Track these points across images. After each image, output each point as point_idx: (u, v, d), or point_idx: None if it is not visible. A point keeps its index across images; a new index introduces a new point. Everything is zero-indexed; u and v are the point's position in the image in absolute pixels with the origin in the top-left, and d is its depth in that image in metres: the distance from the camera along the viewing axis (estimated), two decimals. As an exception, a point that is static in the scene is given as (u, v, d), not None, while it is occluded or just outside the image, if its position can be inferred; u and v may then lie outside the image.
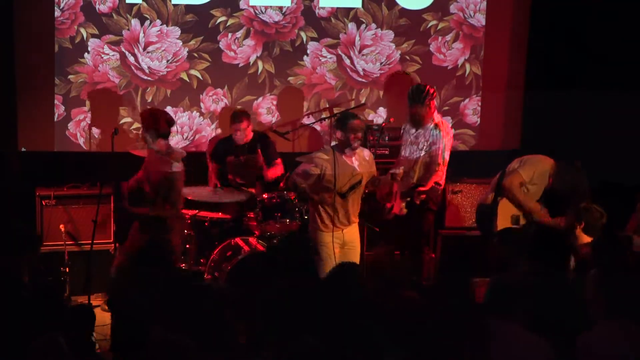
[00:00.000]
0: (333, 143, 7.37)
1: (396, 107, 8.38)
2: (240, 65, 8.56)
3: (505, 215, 7.13)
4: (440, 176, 7.47)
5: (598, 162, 8.22)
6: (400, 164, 7.64)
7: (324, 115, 8.60)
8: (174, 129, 8.33)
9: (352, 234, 6.98)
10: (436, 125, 7.51)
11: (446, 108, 8.94)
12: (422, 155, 7.53)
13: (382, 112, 8.86)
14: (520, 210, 7.11)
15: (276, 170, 8.01)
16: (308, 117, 8.65)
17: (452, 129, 7.69)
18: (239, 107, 8.46)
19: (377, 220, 7.78)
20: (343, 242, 6.90)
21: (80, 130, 8.33)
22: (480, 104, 9.04)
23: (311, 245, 7.02)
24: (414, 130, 7.59)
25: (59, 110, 8.29)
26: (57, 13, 8.15)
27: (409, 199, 7.43)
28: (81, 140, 8.33)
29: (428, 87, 7.59)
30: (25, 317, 4.21)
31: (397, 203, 7.48)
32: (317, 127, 8.74)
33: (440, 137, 7.46)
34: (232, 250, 7.37)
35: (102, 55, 8.31)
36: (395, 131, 8.13)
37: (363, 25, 8.74)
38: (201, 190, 7.75)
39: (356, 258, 6.94)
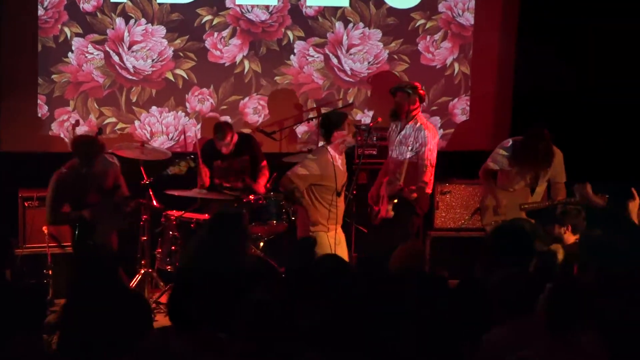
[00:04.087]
0: (321, 143, 7.30)
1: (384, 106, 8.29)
2: (226, 65, 8.51)
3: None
4: (427, 176, 7.42)
5: (589, 161, 8.29)
6: (389, 165, 7.60)
7: (311, 115, 8.55)
8: (159, 129, 8.39)
9: (341, 233, 6.96)
10: (421, 127, 7.45)
11: (434, 108, 8.89)
12: (410, 156, 7.46)
13: (370, 112, 8.81)
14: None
15: (263, 179, 7.98)
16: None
17: (437, 131, 7.65)
18: (220, 119, 8.39)
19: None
20: (337, 239, 6.86)
21: (63, 130, 8.28)
22: (469, 103, 8.99)
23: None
24: (403, 132, 7.52)
25: (42, 110, 8.24)
26: (40, 12, 8.10)
27: (395, 201, 7.37)
28: (65, 141, 8.26)
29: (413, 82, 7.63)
30: (6, 317, 4.18)
31: (384, 206, 7.45)
32: (305, 127, 8.71)
33: (427, 139, 7.40)
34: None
35: (86, 55, 8.27)
36: (383, 131, 8.09)
37: (350, 24, 8.69)
38: (187, 192, 7.70)
39: (346, 256, 6.88)
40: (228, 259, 5.44)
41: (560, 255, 6.14)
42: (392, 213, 7.41)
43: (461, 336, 4.26)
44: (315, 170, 6.68)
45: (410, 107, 7.49)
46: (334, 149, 6.76)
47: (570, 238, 6.28)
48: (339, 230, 6.90)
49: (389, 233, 7.41)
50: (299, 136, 8.71)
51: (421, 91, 7.57)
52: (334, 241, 6.78)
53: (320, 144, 7.87)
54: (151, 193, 7.54)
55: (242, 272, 4.90)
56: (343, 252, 6.85)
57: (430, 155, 7.40)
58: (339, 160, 6.78)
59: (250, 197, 7.60)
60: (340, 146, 6.76)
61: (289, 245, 7.63)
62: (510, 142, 7.44)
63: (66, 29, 8.17)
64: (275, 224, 7.61)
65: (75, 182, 7.12)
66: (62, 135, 8.29)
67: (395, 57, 8.81)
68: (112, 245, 7.20)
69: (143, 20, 8.30)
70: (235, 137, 7.90)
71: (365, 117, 8.74)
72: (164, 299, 7.40)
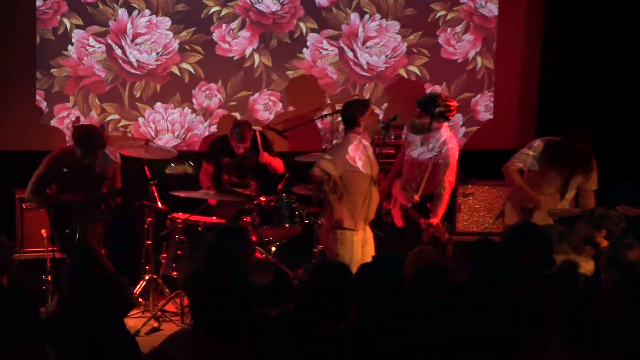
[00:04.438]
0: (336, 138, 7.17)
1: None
2: (235, 59, 8.41)
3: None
4: (444, 206, 7.06)
5: (618, 155, 8.28)
6: (405, 167, 7.34)
7: (325, 112, 8.43)
8: (164, 126, 8.41)
9: (369, 230, 6.79)
10: (445, 141, 7.11)
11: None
12: (432, 156, 7.14)
13: (387, 108, 8.70)
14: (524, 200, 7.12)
15: (277, 161, 7.89)
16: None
17: (457, 146, 7.32)
18: (237, 115, 8.32)
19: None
20: (364, 239, 6.66)
21: (63, 127, 8.18)
22: (492, 100, 8.93)
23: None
24: (423, 146, 7.21)
25: (41, 106, 8.15)
26: (38, 2, 7.99)
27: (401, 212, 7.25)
28: (65, 139, 8.12)
29: (450, 101, 7.25)
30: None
31: (396, 211, 7.28)
32: (319, 124, 8.62)
33: (448, 152, 7.08)
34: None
35: (87, 48, 8.16)
36: (402, 129, 7.83)
37: (367, 16, 8.62)
38: (194, 193, 7.56)
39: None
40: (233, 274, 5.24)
41: (586, 268, 5.93)
42: (402, 222, 7.26)
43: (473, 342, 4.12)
44: (332, 171, 6.46)
45: (433, 127, 7.12)
46: (360, 135, 6.60)
47: (602, 242, 6.12)
48: (367, 229, 6.71)
49: (404, 239, 7.21)
50: (313, 134, 8.58)
51: (450, 114, 7.15)
52: (360, 244, 6.56)
53: (335, 141, 7.92)
54: (156, 194, 7.39)
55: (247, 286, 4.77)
56: (371, 251, 6.65)
57: (450, 174, 7.03)
58: (370, 149, 6.64)
59: (262, 198, 7.47)
60: (368, 135, 6.65)
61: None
62: (537, 142, 7.17)
63: (66, 21, 8.07)
64: (288, 227, 7.46)
65: (70, 170, 6.98)
66: (63, 133, 8.18)
67: (414, 50, 8.76)
68: (95, 236, 7.11)
69: (147, 11, 8.22)
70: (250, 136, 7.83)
71: (382, 113, 8.60)
72: (169, 307, 7.35)
